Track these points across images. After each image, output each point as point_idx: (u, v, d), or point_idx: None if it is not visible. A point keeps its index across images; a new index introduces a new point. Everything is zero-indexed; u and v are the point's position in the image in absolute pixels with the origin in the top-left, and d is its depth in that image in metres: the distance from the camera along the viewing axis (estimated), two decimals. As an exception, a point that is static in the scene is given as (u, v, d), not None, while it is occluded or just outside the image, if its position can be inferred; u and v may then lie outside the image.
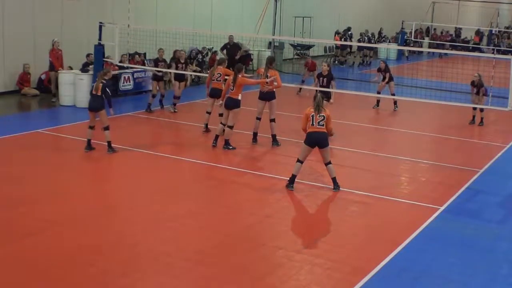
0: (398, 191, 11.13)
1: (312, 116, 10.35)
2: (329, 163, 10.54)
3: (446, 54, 35.56)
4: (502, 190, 11.61)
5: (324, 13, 32.66)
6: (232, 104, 12.88)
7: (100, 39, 17.11)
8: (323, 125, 10.32)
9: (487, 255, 8.52)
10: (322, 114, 10.32)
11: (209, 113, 14.49)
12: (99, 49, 17.09)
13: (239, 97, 12.91)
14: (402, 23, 36.84)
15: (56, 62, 17.15)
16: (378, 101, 18.99)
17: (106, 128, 12.17)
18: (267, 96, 13.53)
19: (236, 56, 21.93)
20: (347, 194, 10.57)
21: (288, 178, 10.67)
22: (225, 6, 26.07)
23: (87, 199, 9.89)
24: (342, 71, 28.11)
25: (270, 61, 13.76)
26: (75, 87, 17.17)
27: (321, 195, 10.67)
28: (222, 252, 8.09)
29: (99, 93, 12.09)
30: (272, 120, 13.65)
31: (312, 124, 10.34)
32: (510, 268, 8.19)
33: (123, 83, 18.81)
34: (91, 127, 12.27)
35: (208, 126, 14.51)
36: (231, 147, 12.98)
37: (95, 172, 11.15)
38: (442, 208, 10.14)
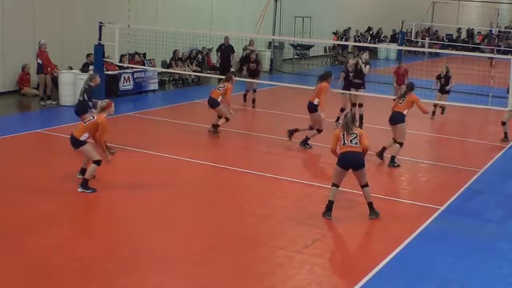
0: (398, 191, 11.13)
1: (343, 135, 9.27)
2: (366, 185, 9.35)
3: (448, 54, 35.61)
4: (502, 190, 11.62)
5: (324, 13, 32.68)
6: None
7: (100, 39, 17.13)
8: (356, 143, 9.18)
9: (487, 255, 8.52)
10: (354, 132, 9.25)
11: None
12: (99, 49, 17.10)
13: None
14: (402, 23, 36.85)
15: (49, 64, 17.09)
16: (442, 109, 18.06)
17: None
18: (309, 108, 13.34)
19: (230, 58, 22.04)
20: (347, 194, 10.55)
21: (325, 205, 9.56)
22: (225, 6, 26.07)
23: (87, 199, 9.88)
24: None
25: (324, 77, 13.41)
26: (75, 87, 17.17)
27: (321, 195, 10.64)
28: (222, 252, 8.09)
29: (81, 98, 12.15)
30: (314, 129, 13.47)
31: (344, 144, 9.23)
32: (510, 268, 8.19)
33: (123, 83, 18.80)
34: None
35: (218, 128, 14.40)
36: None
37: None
38: (442, 208, 10.14)
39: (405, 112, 12.28)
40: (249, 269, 7.70)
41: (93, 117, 10.07)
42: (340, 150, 9.31)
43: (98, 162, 9.96)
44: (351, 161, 9.18)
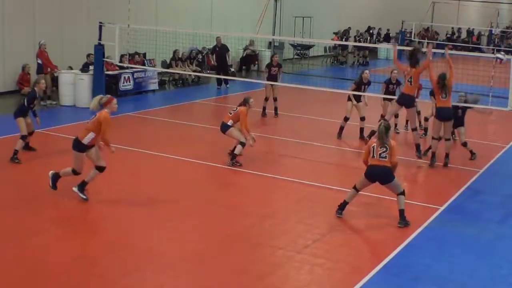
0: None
1: (373, 147, 9.13)
2: (400, 193, 9.22)
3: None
4: (502, 190, 11.62)
5: (324, 13, 32.68)
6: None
7: (100, 39, 17.12)
8: (385, 157, 9.02)
9: (487, 255, 8.52)
10: (385, 145, 9.06)
11: None
12: (99, 49, 17.09)
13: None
14: (402, 23, 36.84)
15: (49, 64, 17.09)
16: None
17: (21, 137, 11.77)
18: (404, 102, 12.91)
19: (227, 58, 22.04)
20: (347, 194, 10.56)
21: (339, 204, 9.56)
22: (225, 6, 26.07)
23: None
24: (342, 71, 28.14)
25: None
26: (75, 87, 17.19)
27: (320, 194, 10.67)
28: (222, 252, 8.10)
29: (22, 101, 11.94)
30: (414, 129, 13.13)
31: (373, 157, 9.11)
32: (510, 268, 8.19)
33: (123, 83, 18.81)
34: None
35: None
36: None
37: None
38: (442, 208, 10.15)
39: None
40: (249, 269, 7.70)
41: (95, 115, 9.61)
42: (368, 162, 9.21)
43: (100, 169, 9.64)
44: (377, 175, 9.14)
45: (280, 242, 8.49)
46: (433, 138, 12.62)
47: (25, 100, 11.86)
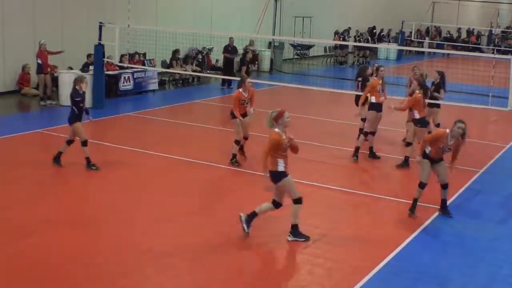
0: (398, 191, 11.12)
1: None
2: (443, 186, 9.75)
3: (448, 54, 35.70)
4: (502, 190, 11.61)
5: (324, 13, 32.70)
6: None
7: (100, 39, 17.13)
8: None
9: (487, 255, 8.52)
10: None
11: None
12: (99, 49, 17.11)
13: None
14: (402, 23, 36.88)
15: (48, 64, 17.12)
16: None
17: (83, 144, 11.14)
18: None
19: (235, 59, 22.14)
20: (347, 194, 10.56)
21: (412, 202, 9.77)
22: (225, 6, 26.08)
23: (87, 199, 9.89)
24: (342, 71, 28.15)
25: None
26: (75, 87, 17.19)
27: (321, 195, 10.66)
28: (222, 252, 8.09)
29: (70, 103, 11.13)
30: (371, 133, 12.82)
31: None
32: (510, 268, 8.19)
33: (123, 83, 18.82)
34: (67, 142, 11.29)
35: None
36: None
37: (94, 172, 11.14)
38: (442, 208, 10.14)
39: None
40: (249, 269, 7.70)
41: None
42: None
43: (299, 200, 8.37)
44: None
45: (280, 242, 8.49)
46: None
47: (72, 105, 11.11)
